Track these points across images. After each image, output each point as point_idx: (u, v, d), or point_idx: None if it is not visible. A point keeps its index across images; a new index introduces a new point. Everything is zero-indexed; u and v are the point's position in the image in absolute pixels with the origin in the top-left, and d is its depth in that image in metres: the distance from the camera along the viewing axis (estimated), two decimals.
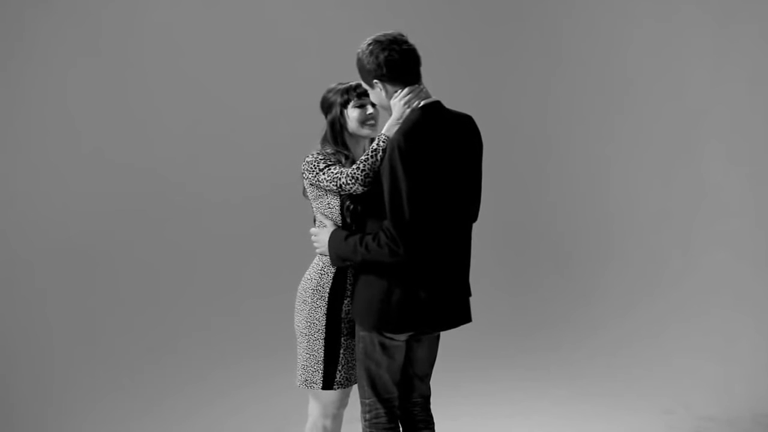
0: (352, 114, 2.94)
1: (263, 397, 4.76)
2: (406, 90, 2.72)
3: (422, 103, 2.71)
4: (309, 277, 2.95)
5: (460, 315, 2.85)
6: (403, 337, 2.76)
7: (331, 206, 2.91)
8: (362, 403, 2.84)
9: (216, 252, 5.41)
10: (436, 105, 2.74)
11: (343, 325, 2.91)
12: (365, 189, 2.77)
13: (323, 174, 2.83)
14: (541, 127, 6.23)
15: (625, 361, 5.31)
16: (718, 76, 5.80)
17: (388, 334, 2.73)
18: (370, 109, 2.95)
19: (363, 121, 2.94)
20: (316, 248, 2.90)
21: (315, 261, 2.98)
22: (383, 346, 2.74)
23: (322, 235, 2.85)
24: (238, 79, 5.55)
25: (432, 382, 3.03)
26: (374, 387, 2.79)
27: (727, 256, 5.66)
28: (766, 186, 5.63)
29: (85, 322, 5.07)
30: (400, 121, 2.71)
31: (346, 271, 2.91)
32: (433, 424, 2.98)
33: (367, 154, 2.75)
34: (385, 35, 2.70)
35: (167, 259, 5.31)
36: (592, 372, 5.22)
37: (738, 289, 5.55)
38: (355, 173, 2.75)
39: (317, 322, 2.90)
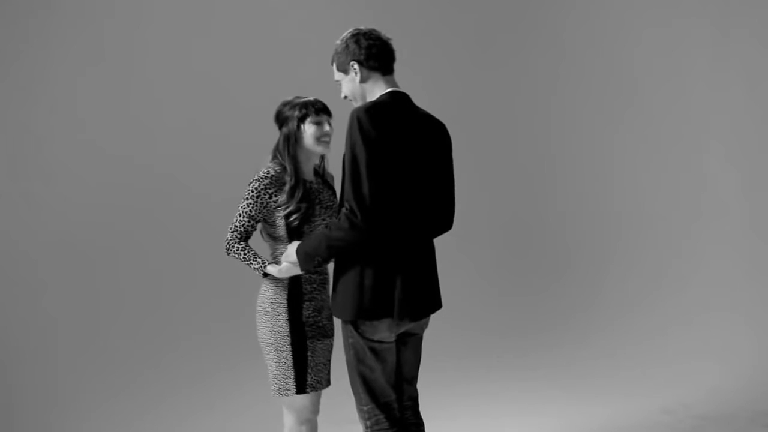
0: (308, 129, 2.98)
1: (263, 398, 4.76)
2: None
3: (391, 90, 2.76)
4: (265, 289, 3.02)
5: (429, 307, 2.81)
6: (392, 337, 2.74)
7: (276, 224, 2.99)
8: (360, 410, 2.80)
9: (218, 252, 5.41)
10: (405, 94, 2.78)
11: (306, 328, 2.97)
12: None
13: (236, 213, 2.97)
14: (544, 129, 6.25)
15: (624, 362, 5.32)
16: (717, 82, 5.83)
17: (377, 338, 2.71)
18: (326, 127, 3.01)
19: (319, 137, 2.99)
20: (283, 274, 2.94)
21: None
22: (374, 351, 2.72)
23: (289, 250, 2.87)
24: (239, 80, 5.57)
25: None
26: (371, 393, 2.76)
27: (727, 258, 5.67)
28: (764, 190, 5.65)
29: (86, 323, 5.08)
30: None
31: (300, 276, 2.97)
32: (423, 425, 2.95)
33: (248, 258, 2.94)
34: (365, 28, 2.82)
35: (169, 260, 5.33)
36: (593, 372, 5.22)
37: (737, 291, 5.56)
38: (228, 247, 2.98)
39: (282, 330, 2.96)
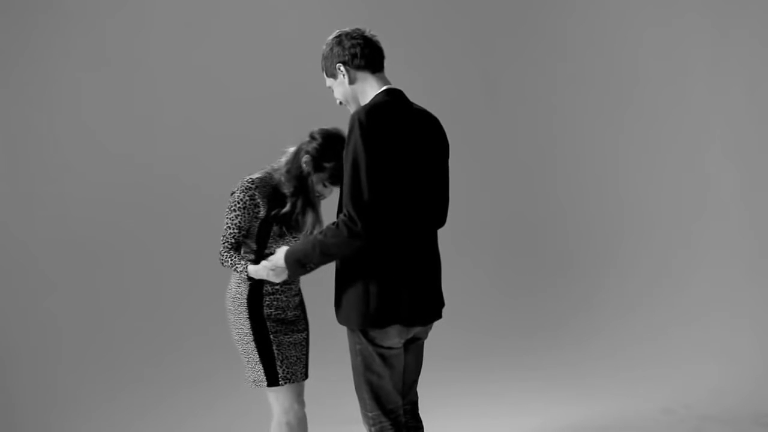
0: (317, 183, 3.03)
1: (263, 398, 4.75)
2: None
3: (386, 87, 2.73)
4: (229, 287, 3.13)
5: (435, 310, 2.80)
6: (400, 343, 2.72)
7: (250, 230, 3.06)
8: (365, 416, 2.76)
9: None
10: (400, 92, 2.75)
11: (269, 324, 3.05)
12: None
13: (225, 225, 3.02)
14: (544, 129, 6.25)
15: (625, 362, 5.32)
16: (717, 82, 5.83)
17: (387, 344, 2.68)
18: (327, 192, 3.05)
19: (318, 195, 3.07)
20: (274, 278, 2.91)
21: (232, 275, 3.13)
22: (383, 357, 2.69)
23: (278, 255, 2.81)
24: (240, 79, 5.58)
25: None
26: (377, 399, 2.72)
27: (727, 258, 5.67)
28: (764, 191, 5.65)
29: (87, 323, 5.08)
30: None
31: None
32: (422, 428, 2.92)
33: (234, 263, 3.01)
34: (349, 28, 2.78)
35: (170, 260, 5.33)
36: (593, 372, 5.22)
37: (737, 291, 5.56)
38: (221, 258, 3.04)
39: (244, 327, 3.05)
